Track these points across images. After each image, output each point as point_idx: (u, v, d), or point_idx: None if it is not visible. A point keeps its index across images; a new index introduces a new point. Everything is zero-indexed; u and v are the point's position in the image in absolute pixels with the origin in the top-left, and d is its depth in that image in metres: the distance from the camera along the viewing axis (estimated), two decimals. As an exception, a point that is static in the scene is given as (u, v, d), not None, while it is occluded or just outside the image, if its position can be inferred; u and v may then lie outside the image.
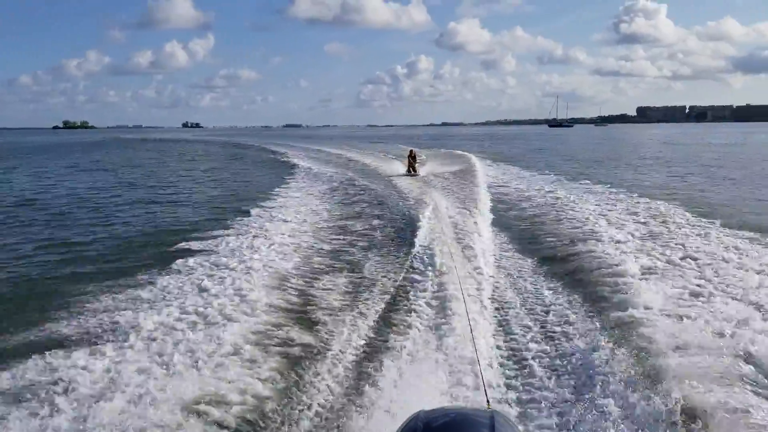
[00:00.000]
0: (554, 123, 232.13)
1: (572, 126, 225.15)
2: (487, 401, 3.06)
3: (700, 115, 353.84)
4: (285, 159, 43.84)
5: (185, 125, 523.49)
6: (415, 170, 28.89)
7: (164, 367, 6.51)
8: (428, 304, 8.96)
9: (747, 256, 10.89)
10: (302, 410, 5.99)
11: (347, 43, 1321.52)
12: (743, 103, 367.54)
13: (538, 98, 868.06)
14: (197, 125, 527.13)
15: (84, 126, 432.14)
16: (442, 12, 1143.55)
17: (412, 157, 30.14)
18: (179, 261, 11.28)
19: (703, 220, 14.60)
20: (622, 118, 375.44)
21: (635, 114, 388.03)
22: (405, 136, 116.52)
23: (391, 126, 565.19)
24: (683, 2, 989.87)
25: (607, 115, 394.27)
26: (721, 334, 6.97)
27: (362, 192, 22.24)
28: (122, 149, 72.39)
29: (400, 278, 10.47)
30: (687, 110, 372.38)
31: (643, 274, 9.86)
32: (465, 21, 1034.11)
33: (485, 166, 34.02)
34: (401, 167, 30.98)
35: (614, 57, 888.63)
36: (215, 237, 13.66)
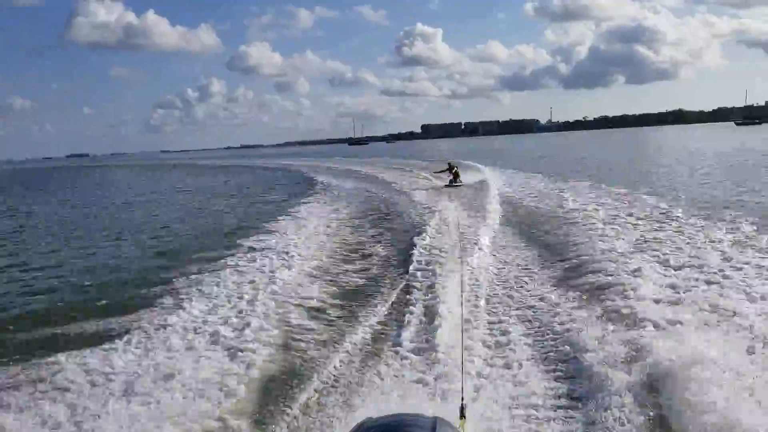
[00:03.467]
0: (353, 141, 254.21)
1: (368, 143, 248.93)
2: (462, 406, 3.09)
3: (473, 130, 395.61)
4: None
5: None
6: (458, 180, 29.12)
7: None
8: (420, 314, 9.08)
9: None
10: (284, 408, 6.30)
11: (134, 67, 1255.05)
12: (508, 118, 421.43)
13: (332, 119, 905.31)
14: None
15: None
16: (232, 35, 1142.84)
17: (450, 168, 30.41)
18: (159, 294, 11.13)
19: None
20: (410, 135, 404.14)
21: (420, 131, 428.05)
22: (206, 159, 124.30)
23: (187, 151, 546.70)
24: (455, 27, 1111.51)
25: (396, 132, 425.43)
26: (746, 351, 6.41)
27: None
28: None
29: (400, 285, 10.97)
30: (463, 126, 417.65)
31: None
32: (255, 44, 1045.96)
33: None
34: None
35: (399, 78, 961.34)
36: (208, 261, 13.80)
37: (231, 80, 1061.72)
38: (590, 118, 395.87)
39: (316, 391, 6.74)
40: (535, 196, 23.29)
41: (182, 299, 10.55)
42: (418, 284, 10.79)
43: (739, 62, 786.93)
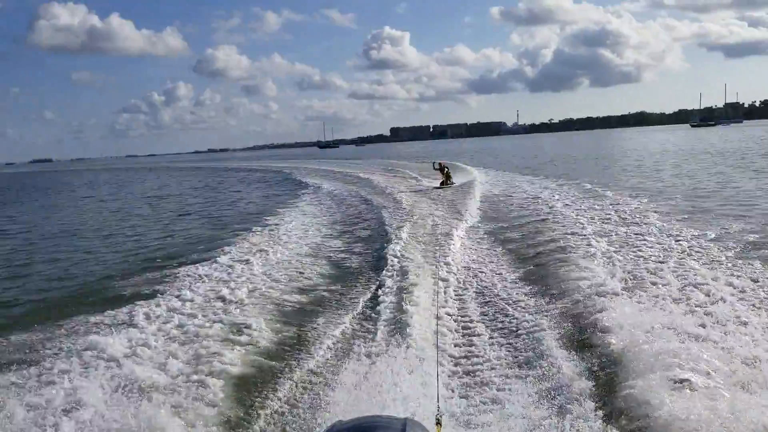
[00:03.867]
0: (323, 144, 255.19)
1: (338, 146, 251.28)
2: (438, 416, 3.07)
3: (441, 133, 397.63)
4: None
5: None
6: (450, 181, 29.29)
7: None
8: (393, 313, 9.20)
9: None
10: (253, 411, 6.33)
11: (98, 71, 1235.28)
12: (475, 121, 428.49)
13: (301, 122, 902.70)
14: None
15: None
16: (199, 38, 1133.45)
17: (440, 169, 30.07)
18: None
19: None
20: (379, 138, 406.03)
21: (389, 134, 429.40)
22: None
23: (154, 155, 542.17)
24: (422, 31, 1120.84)
25: (366, 135, 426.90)
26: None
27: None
28: None
29: (373, 285, 11.12)
30: (431, 129, 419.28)
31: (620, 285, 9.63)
32: (222, 47, 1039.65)
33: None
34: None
35: (368, 82, 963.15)
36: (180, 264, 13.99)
37: (198, 84, 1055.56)
38: (556, 120, 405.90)
39: (285, 393, 6.75)
40: (512, 195, 25.09)
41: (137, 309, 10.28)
42: (392, 285, 10.84)
43: (700, 65, 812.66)
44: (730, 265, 10.61)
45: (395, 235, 15.60)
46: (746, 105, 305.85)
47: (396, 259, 12.81)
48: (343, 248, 15.29)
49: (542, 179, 31.11)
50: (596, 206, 19.21)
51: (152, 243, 18.56)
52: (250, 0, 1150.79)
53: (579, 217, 17.25)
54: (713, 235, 13.36)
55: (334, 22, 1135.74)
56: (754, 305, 8.33)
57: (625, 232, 14.41)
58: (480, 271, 11.96)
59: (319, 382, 7.03)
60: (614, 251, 12.41)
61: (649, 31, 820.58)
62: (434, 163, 32.28)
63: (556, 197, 22.38)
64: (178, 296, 10.84)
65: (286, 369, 7.46)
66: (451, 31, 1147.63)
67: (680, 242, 12.82)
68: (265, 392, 6.83)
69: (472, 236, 16.00)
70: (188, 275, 12.64)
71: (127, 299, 10.94)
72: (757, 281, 9.47)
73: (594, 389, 6.21)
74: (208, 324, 9.06)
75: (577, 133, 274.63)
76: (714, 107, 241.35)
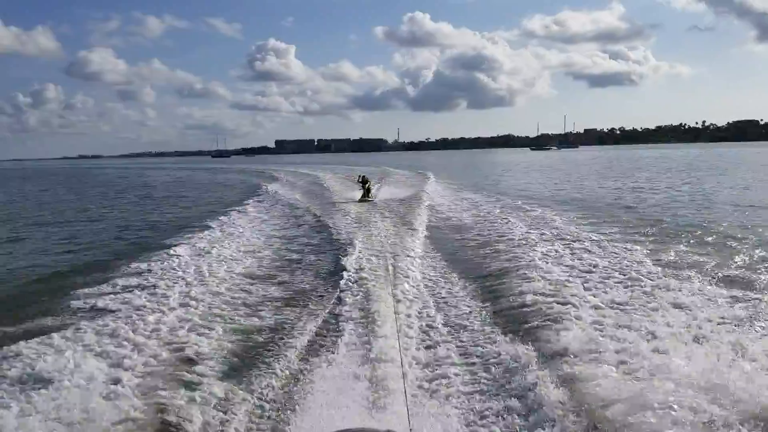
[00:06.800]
0: (217, 154, 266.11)
1: (230, 156, 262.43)
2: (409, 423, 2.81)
3: (325, 146, 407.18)
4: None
5: None
6: (369, 195, 29.77)
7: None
8: (356, 324, 9.22)
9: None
10: (227, 423, 6.21)
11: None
12: (358, 137, 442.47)
13: (180, 130, 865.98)
14: None
15: None
16: (73, 40, 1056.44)
17: (362, 182, 30.57)
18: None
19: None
20: (264, 150, 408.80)
21: (274, 146, 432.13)
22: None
23: (20, 160, 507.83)
24: (308, 45, 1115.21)
25: (249, 147, 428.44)
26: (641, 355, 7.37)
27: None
28: None
29: (332, 299, 10.86)
30: (316, 143, 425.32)
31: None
32: (98, 50, 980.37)
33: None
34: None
35: (251, 93, 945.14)
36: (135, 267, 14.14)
37: (69, 86, 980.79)
38: (432, 139, 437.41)
39: (246, 415, 6.59)
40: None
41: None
42: (350, 297, 10.89)
43: (566, 92, 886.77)
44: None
45: (347, 247, 15.65)
46: (599, 130, 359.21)
47: (351, 273, 12.80)
48: (283, 260, 14.94)
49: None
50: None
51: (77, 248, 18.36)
52: (130, 3, 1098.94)
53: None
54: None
55: (219, 31, 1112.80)
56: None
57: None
58: (432, 281, 12.37)
59: (283, 401, 6.86)
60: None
61: (521, 58, 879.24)
62: (359, 176, 33.25)
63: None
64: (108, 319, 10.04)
65: (257, 376, 7.44)
66: (337, 47, 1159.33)
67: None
68: (250, 386, 7.00)
69: (424, 248, 16.32)
70: (126, 289, 12.04)
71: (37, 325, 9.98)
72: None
73: (558, 394, 6.47)
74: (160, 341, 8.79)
75: (454, 151, 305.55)
76: (572, 132, 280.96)
